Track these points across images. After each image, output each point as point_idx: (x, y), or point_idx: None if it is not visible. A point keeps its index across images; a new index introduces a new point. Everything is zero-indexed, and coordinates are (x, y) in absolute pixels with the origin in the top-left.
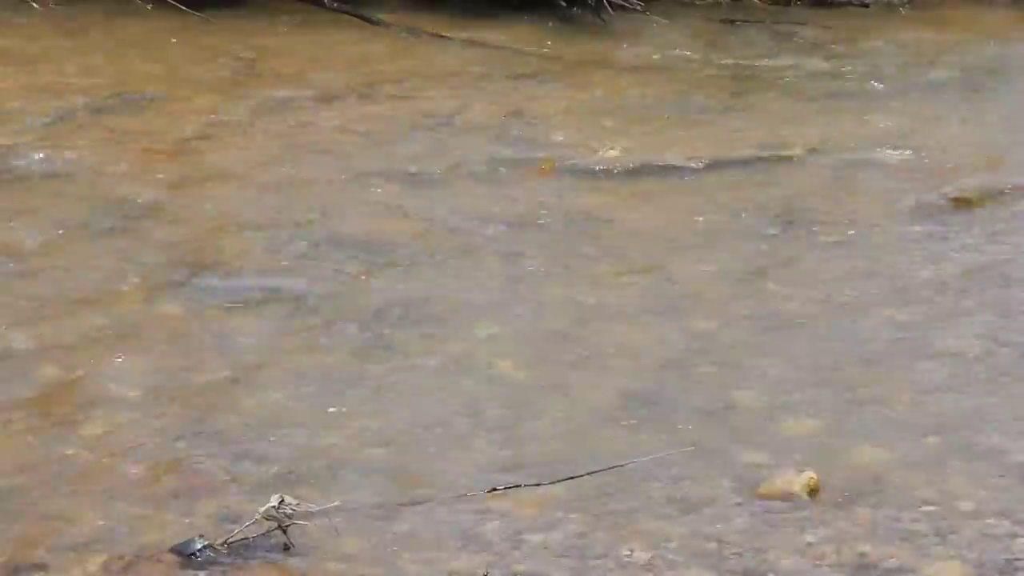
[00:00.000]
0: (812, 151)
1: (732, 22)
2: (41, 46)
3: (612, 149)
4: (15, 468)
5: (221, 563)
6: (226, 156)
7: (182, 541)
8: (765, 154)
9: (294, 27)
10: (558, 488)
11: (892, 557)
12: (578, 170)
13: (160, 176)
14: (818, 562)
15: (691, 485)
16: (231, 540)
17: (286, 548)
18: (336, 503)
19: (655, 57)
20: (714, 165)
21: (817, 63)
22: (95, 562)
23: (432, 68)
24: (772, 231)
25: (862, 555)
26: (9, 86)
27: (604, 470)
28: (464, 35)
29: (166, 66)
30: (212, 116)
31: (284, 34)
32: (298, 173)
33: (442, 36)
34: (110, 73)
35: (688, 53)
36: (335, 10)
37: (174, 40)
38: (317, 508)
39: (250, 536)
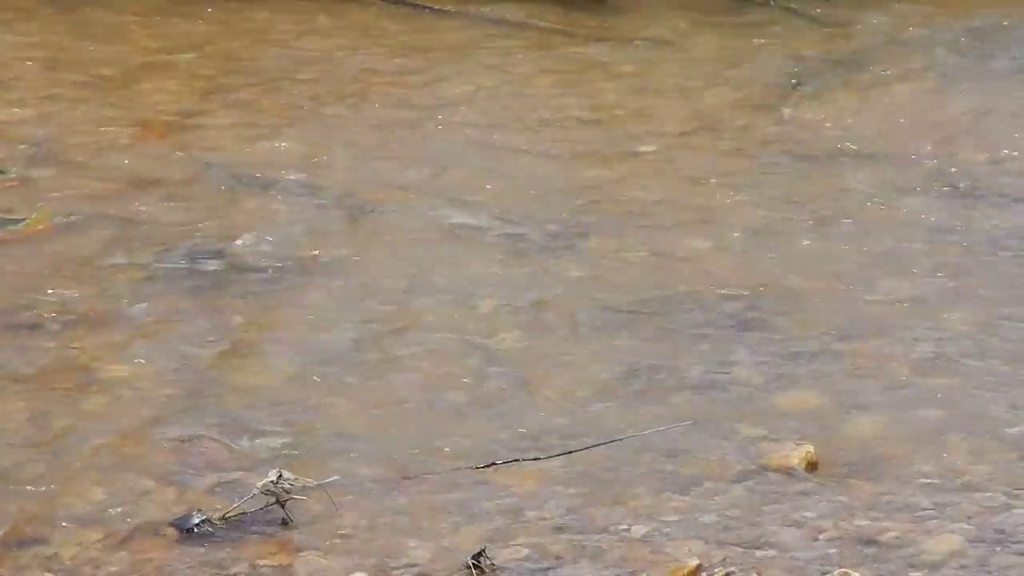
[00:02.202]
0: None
1: None
2: (38, 20)
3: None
4: (15, 443)
5: (219, 538)
6: (221, 129)
7: (180, 516)
8: None
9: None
10: (556, 462)
11: (890, 531)
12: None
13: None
14: (816, 536)
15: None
16: (229, 515)
17: (284, 523)
18: (334, 478)
19: (658, 31)
20: None
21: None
22: (94, 536)
23: (433, 42)
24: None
25: (860, 529)
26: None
27: (602, 444)
28: (468, 9)
29: (167, 41)
30: (210, 89)
31: (282, 9)
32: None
33: (443, 10)
34: (109, 47)
35: (690, 28)
36: None
37: (173, 17)
38: (315, 483)
39: (248, 511)
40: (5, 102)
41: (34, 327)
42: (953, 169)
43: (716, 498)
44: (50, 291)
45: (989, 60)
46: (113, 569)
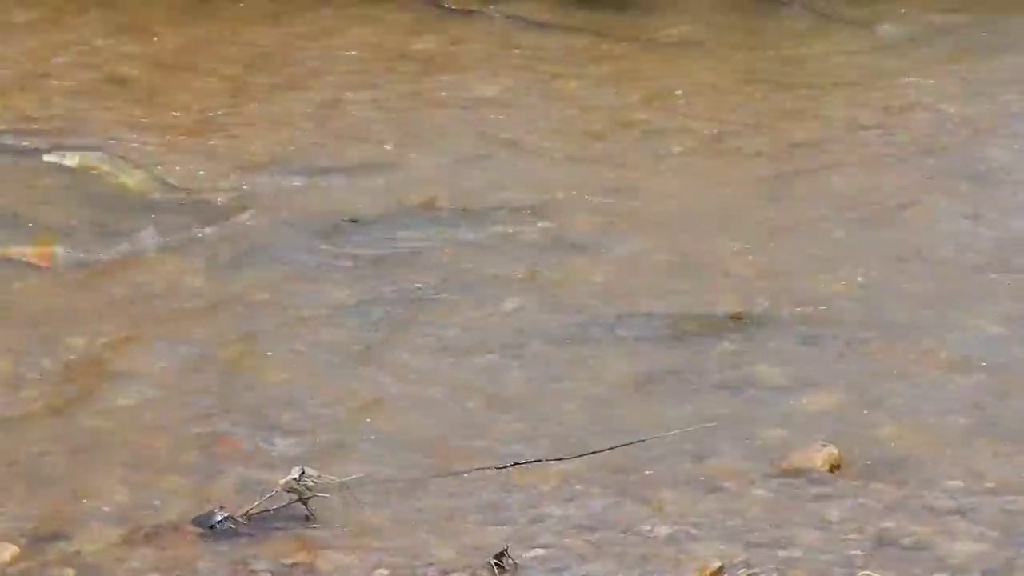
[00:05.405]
0: None
1: None
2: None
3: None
4: (41, 439)
5: (242, 535)
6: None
7: (203, 513)
8: None
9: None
10: (580, 463)
11: (914, 534)
12: None
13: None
14: (840, 538)
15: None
16: (252, 512)
17: (307, 520)
18: (358, 476)
19: (686, 30)
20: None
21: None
22: (117, 532)
23: (457, 42)
24: None
25: (884, 531)
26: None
27: (625, 445)
28: (494, 9)
29: (190, 40)
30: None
31: (311, 6)
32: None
33: (469, 11)
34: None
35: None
36: None
37: (194, 20)
38: (338, 481)
39: (271, 508)
40: None
41: None
42: None
43: (740, 499)
44: None
45: None
46: (136, 566)
